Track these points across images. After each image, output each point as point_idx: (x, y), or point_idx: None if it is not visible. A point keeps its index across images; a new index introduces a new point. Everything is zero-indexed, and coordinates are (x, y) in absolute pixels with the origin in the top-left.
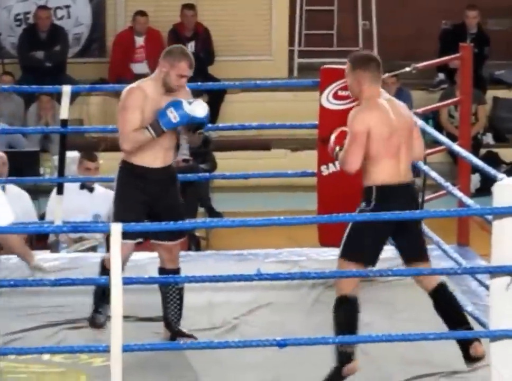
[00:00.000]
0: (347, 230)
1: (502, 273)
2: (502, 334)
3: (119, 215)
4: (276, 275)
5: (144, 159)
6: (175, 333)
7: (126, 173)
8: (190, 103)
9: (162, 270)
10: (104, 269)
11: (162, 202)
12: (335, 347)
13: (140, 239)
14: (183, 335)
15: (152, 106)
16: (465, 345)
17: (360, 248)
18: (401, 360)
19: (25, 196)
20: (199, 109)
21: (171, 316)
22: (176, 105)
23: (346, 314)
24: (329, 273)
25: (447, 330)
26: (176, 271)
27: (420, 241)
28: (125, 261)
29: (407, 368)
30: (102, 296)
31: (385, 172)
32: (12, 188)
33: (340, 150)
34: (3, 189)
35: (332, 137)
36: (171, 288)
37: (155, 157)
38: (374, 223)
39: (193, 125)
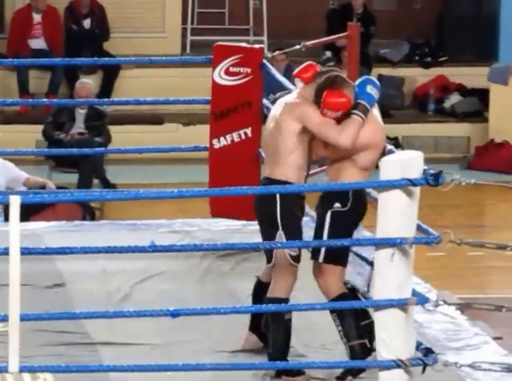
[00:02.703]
0: (325, 234)
1: (386, 244)
2: (386, 303)
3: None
4: (169, 247)
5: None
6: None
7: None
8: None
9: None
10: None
11: None
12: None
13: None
14: None
15: None
16: None
17: (344, 250)
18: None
19: None
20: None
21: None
22: (372, 81)
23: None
24: (220, 246)
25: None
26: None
27: None
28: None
29: (293, 336)
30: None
31: (365, 178)
32: None
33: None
34: None
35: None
36: None
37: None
38: (352, 223)
39: None
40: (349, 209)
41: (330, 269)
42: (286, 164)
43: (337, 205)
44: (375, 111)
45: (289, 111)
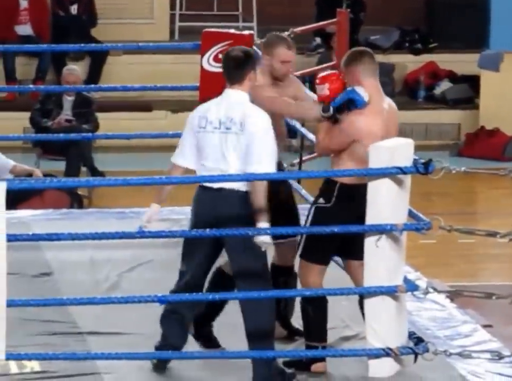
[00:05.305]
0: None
1: (376, 231)
2: (376, 291)
3: None
4: (158, 233)
5: None
6: (293, 331)
7: None
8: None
9: None
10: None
11: None
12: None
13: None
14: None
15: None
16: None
17: (322, 248)
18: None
19: None
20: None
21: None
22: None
23: (314, 310)
24: (208, 233)
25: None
26: None
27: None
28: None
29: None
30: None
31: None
32: None
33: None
34: None
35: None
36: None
37: None
38: (337, 220)
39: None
40: (333, 206)
41: (306, 265)
42: None
43: (321, 200)
44: (378, 104)
45: None
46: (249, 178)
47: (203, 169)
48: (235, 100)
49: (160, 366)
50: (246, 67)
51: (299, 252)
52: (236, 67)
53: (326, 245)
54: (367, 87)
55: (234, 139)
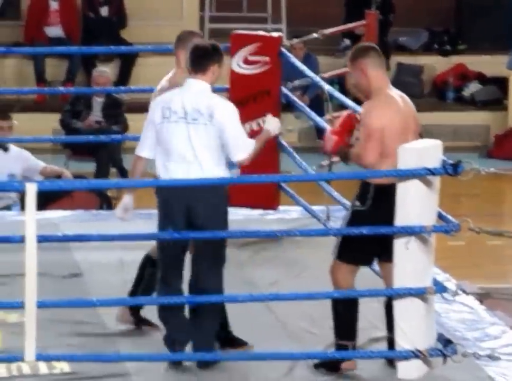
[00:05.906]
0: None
1: (406, 233)
2: (405, 292)
3: None
4: (186, 234)
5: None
6: (140, 320)
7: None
8: None
9: None
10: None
11: None
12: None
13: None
14: (148, 323)
15: None
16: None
17: (356, 249)
18: (307, 317)
19: None
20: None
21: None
22: None
23: (345, 308)
24: (239, 233)
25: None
26: None
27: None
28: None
29: (312, 325)
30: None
31: (387, 167)
32: None
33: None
34: None
35: (334, 130)
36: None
37: None
38: (372, 224)
39: None
40: (369, 209)
41: (335, 263)
42: None
43: (357, 203)
44: (389, 96)
45: None
46: (268, 179)
47: (168, 159)
48: (197, 90)
49: (175, 363)
50: (212, 59)
51: (334, 255)
52: (202, 57)
53: (360, 246)
54: (375, 78)
55: (202, 130)
